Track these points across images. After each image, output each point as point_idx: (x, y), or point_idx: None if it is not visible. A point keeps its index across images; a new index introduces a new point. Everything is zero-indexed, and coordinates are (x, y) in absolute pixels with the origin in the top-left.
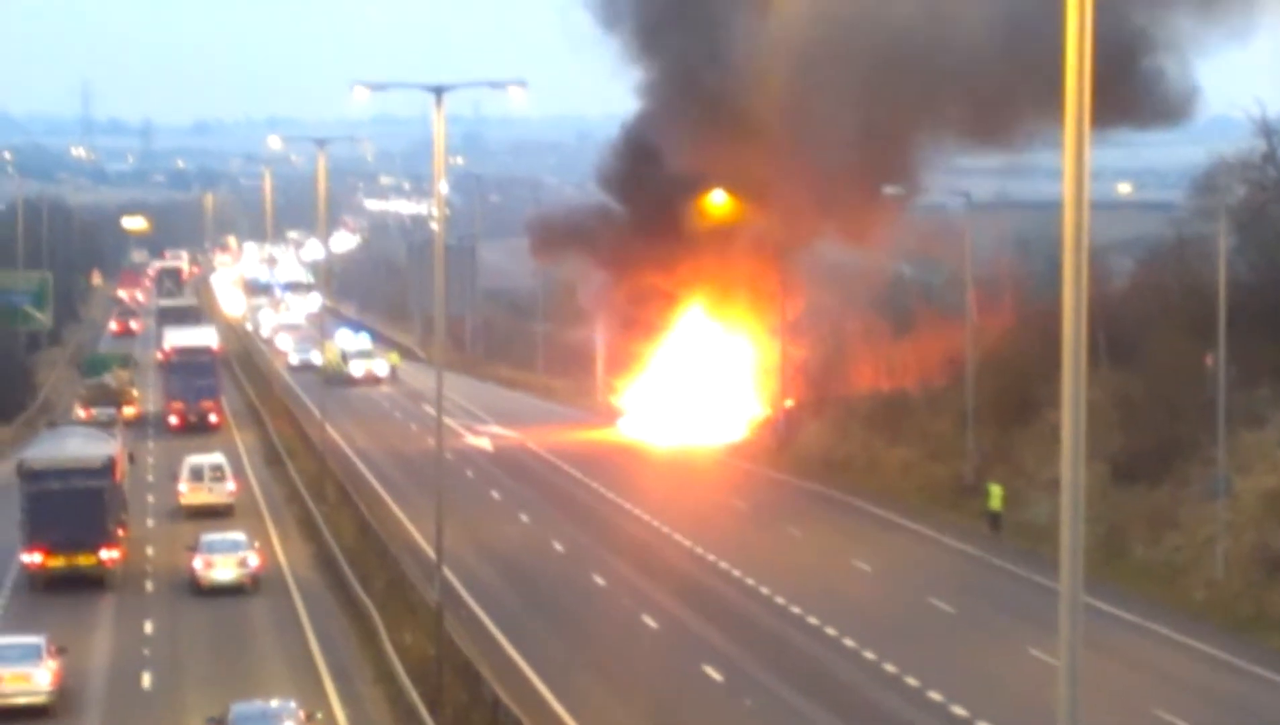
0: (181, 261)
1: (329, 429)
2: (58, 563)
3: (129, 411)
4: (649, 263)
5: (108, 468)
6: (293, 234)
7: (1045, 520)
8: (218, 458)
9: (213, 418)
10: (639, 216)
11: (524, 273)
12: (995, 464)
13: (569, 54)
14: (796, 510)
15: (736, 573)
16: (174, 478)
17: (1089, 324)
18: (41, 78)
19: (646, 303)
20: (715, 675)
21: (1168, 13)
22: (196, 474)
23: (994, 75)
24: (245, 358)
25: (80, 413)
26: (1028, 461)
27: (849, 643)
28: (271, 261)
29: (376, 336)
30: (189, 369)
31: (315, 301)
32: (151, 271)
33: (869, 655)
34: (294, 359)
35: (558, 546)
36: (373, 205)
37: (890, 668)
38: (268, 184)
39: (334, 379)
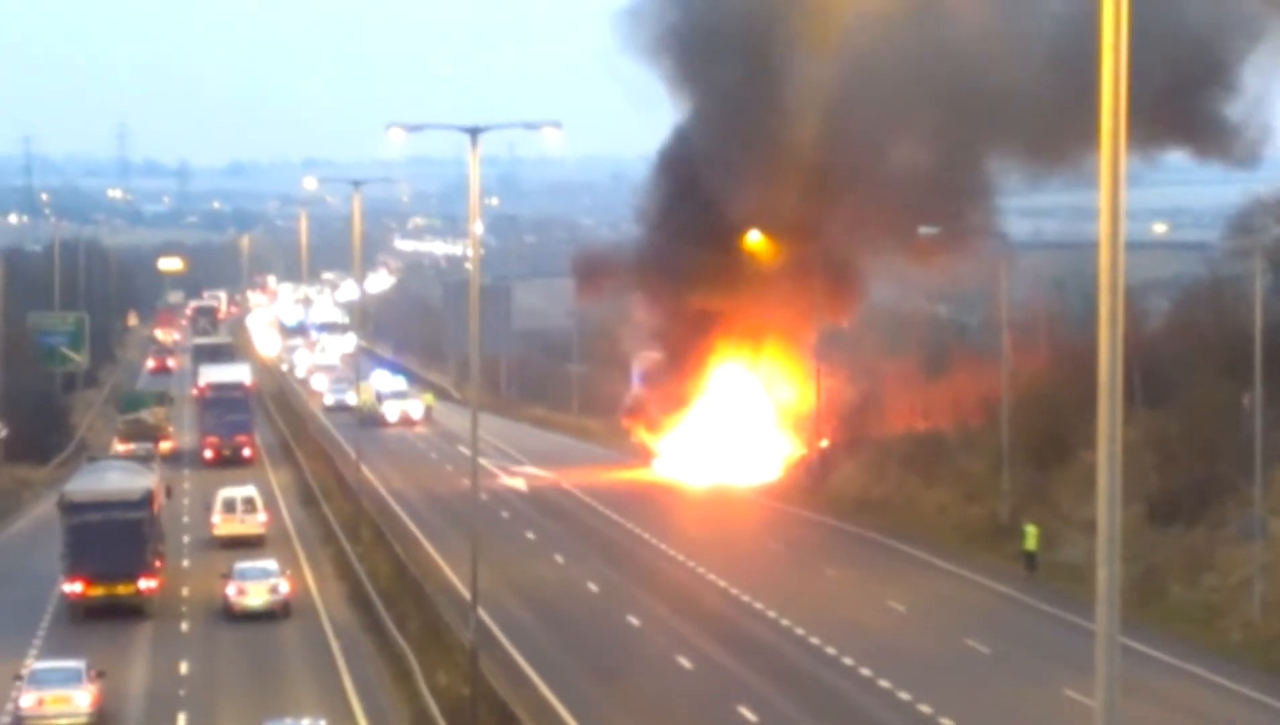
0: (218, 301)
1: (364, 469)
2: (98, 592)
3: (165, 446)
4: (691, 299)
5: (146, 500)
6: (328, 275)
7: (1081, 561)
8: (250, 490)
9: (246, 452)
10: (681, 253)
11: (559, 313)
12: (1031, 504)
13: (604, 94)
14: (832, 550)
15: (771, 613)
16: (207, 509)
17: (1124, 364)
18: (78, 120)
19: (687, 340)
20: (750, 715)
21: (1253, 45)
22: (229, 506)
23: (1053, 105)
24: (280, 398)
25: (118, 447)
26: (1063, 502)
27: (884, 683)
28: (306, 302)
29: (411, 377)
30: (223, 404)
31: (350, 342)
32: (188, 311)
33: (904, 696)
34: (329, 400)
35: (592, 587)
36: (407, 246)
37: (926, 708)
38: (303, 225)
39: (368, 420)
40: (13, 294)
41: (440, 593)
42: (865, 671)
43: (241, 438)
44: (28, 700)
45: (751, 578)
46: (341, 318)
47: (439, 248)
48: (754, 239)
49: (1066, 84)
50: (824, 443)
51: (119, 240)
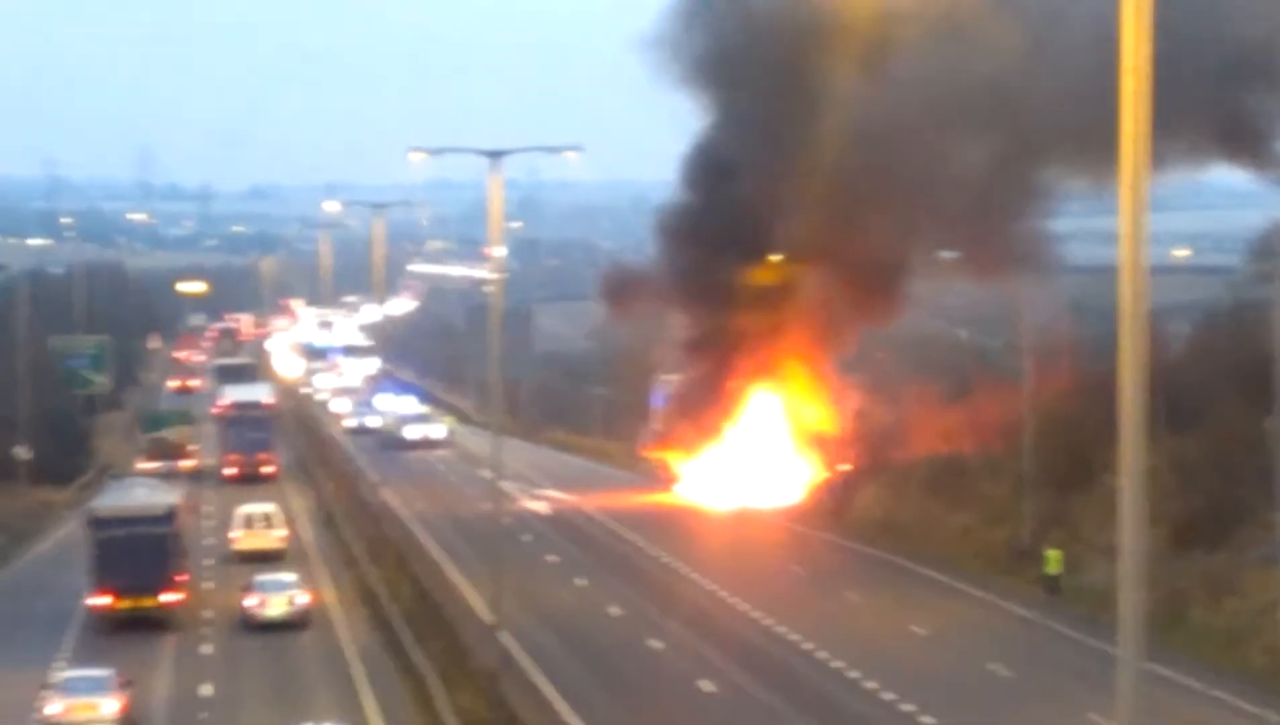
0: (238, 323)
1: (385, 492)
2: (124, 605)
3: (187, 464)
4: (715, 320)
5: (170, 515)
6: (349, 298)
7: (1103, 585)
8: (269, 506)
9: (267, 469)
10: (706, 272)
11: (580, 336)
12: (1053, 529)
13: (624, 118)
14: (853, 574)
15: (794, 637)
16: (228, 526)
17: (1147, 388)
18: (100, 143)
19: (712, 362)
20: None
21: None
22: (249, 522)
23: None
24: (302, 420)
25: (141, 465)
26: (1085, 526)
27: (907, 707)
28: (327, 325)
29: (433, 400)
30: (245, 423)
31: (372, 365)
32: (210, 333)
33: (927, 720)
34: (350, 422)
35: (614, 610)
36: (426, 269)
37: None
38: (324, 248)
39: (390, 443)
40: (35, 317)
41: (463, 615)
42: (888, 695)
43: (262, 455)
44: (54, 708)
45: (773, 601)
46: (363, 341)
47: (460, 271)
48: (779, 260)
49: (1102, 104)
50: (846, 466)
51: (140, 263)
